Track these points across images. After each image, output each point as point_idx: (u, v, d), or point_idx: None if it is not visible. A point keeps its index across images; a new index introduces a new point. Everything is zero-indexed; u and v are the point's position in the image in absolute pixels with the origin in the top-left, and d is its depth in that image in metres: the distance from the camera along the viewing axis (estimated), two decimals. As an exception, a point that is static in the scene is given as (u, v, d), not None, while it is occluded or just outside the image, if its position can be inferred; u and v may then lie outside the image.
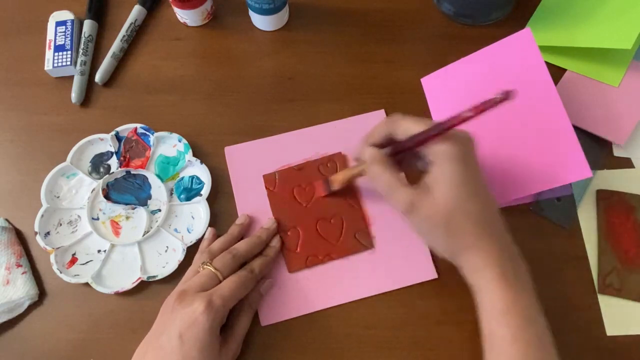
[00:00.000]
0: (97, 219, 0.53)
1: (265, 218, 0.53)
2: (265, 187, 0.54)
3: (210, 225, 0.53)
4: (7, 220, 0.53)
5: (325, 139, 0.56)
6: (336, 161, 0.55)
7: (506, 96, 0.37)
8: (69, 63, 0.59)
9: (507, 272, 0.41)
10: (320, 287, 0.50)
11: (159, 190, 0.55)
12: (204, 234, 0.52)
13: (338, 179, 0.51)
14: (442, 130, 0.40)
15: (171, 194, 0.55)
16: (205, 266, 0.46)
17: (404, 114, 0.44)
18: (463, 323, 0.49)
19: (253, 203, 0.54)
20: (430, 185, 0.41)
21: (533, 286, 0.43)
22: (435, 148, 0.41)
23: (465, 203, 0.41)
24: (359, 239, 0.52)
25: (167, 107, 0.59)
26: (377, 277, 0.51)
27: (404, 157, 0.45)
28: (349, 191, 0.54)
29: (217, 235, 0.52)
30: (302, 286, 0.50)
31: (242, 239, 0.51)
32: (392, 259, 0.51)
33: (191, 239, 0.52)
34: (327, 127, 0.57)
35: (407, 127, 0.42)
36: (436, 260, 0.51)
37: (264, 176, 0.55)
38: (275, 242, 0.51)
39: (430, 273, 0.51)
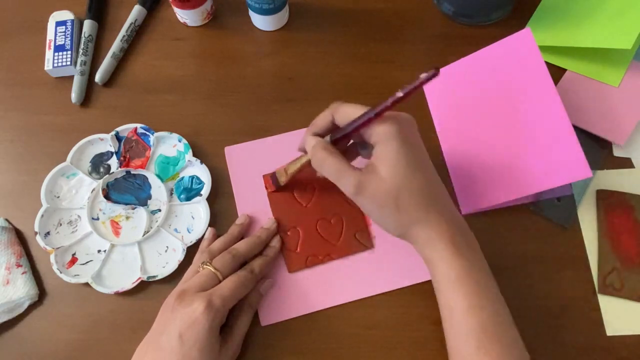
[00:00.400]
0: (97, 219, 0.53)
1: (265, 218, 0.53)
2: (266, 187, 0.54)
3: (210, 225, 0.53)
4: (7, 220, 0.53)
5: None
6: (336, 161, 0.55)
7: (432, 75, 0.37)
8: (69, 63, 0.59)
9: (458, 242, 0.42)
10: (320, 287, 0.50)
11: (159, 190, 0.55)
12: (204, 234, 0.52)
13: (285, 172, 0.51)
14: (380, 112, 0.41)
15: (171, 194, 0.55)
16: (204, 266, 0.46)
17: (343, 102, 0.44)
18: (463, 323, 0.49)
19: (253, 203, 0.54)
20: (375, 165, 0.42)
21: (482, 256, 0.44)
22: (377, 129, 0.41)
23: (410, 179, 0.41)
24: (359, 239, 0.52)
25: (167, 107, 0.59)
26: (377, 277, 0.51)
27: (347, 147, 0.47)
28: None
29: (217, 235, 0.52)
30: (302, 286, 0.50)
31: (242, 239, 0.51)
32: (392, 259, 0.51)
33: (191, 239, 0.52)
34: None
35: (347, 112, 0.43)
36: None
37: (264, 176, 0.55)
38: (276, 242, 0.51)
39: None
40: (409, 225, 0.42)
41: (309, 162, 0.47)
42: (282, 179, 0.52)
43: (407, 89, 0.39)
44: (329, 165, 0.43)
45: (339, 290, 0.50)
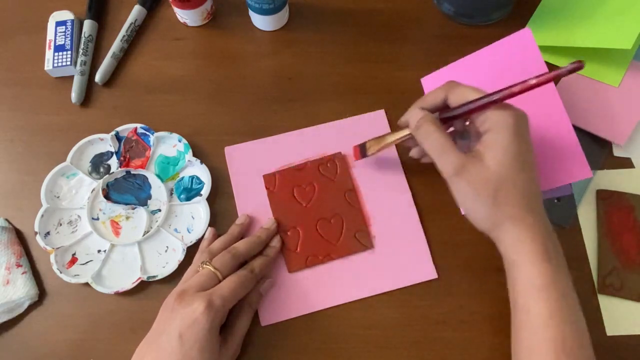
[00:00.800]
0: (97, 219, 0.53)
1: (265, 218, 0.53)
2: (265, 187, 0.54)
3: (210, 225, 0.53)
4: (7, 220, 0.53)
5: (325, 139, 0.56)
6: (336, 161, 0.55)
7: (576, 67, 0.37)
8: (69, 63, 0.59)
9: (549, 248, 0.40)
10: (320, 287, 0.50)
11: (159, 190, 0.55)
12: (204, 234, 0.52)
13: (377, 142, 0.51)
14: (502, 98, 0.40)
15: (171, 194, 0.55)
16: (204, 266, 0.46)
17: (459, 82, 0.44)
18: (463, 323, 0.49)
19: (253, 203, 0.54)
20: (482, 152, 0.41)
21: (567, 269, 0.42)
22: (492, 116, 0.41)
23: (516, 174, 0.40)
24: (359, 239, 0.52)
25: (167, 107, 0.59)
26: (377, 277, 0.51)
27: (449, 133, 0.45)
28: (349, 191, 0.54)
29: (217, 235, 0.52)
30: (302, 286, 0.50)
31: (242, 239, 0.51)
32: (392, 259, 0.51)
33: (191, 239, 0.52)
34: (327, 127, 0.57)
35: (463, 93, 0.42)
36: (436, 260, 0.51)
37: (264, 176, 0.55)
38: (276, 242, 0.51)
39: (430, 273, 0.51)
40: (501, 222, 0.41)
41: (408, 136, 0.47)
42: (373, 149, 0.51)
43: (542, 77, 0.38)
44: (434, 139, 0.43)
45: (339, 290, 0.50)
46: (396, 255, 0.51)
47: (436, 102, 0.45)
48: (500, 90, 0.40)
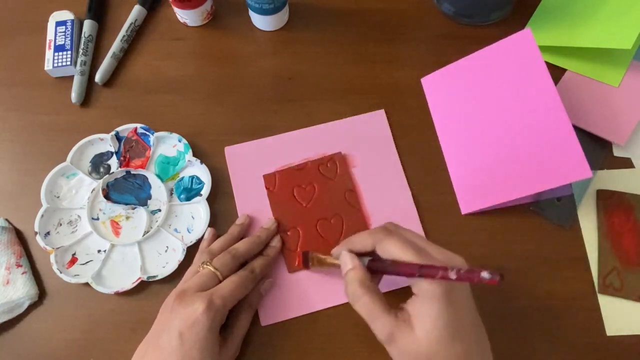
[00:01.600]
0: (97, 219, 0.53)
1: (265, 218, 0.53)
2: (265, 187, 0.54)
3: (210, 225, 0.53)
4: (7, 220, 0.53)
5: (325, 139, 0.56)
6: (336, 161, 0.55)
7: (493, 279, 0.35)
8: (69, 63, 0.59)
9: None
10: (320, 287, 0.50)
11: (159, 190, 0.55)
12: (204, 234, 0.52)
13: (317, 262, 0.49)
14: (427, 274, 0.37)
15: (171, 194, 0.55)
16: (204, 266, 0.46)
17: (391, 232, 0.41)
18: (463, 323, 0.49)
19: (253, 203, 0.54)
20: (412, 320, 0.38)
21: None
22: (422, 282, 0.38)
23: (447, 346, 0.37)
24: None
25: (167, 107, 0.59)
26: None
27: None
28: (349, 191, 0.54)
29: (217, 236, 0.52)
30: (302, 286, 0.50)
31: (242, 239, 0.51)
32: None
33: (191, 239, 0.52)
34: (327, 127, 0.57)
35: (391, 252, 0.40)
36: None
37: (264, 176, 0.55)
38: (276, 242, 0.51)
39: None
40: None
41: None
42: (314, 266, 0.49)
43: (461, 275, 0.36)
44: (363, 304, 0.40)
45: (339, 290, 0.50)
46: None
47: (364, 249, 0.43)
48: (425, 267, 0.38)
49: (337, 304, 0.50)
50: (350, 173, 0.55)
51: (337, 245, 0.46)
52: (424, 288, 0.38)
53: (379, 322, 0.39)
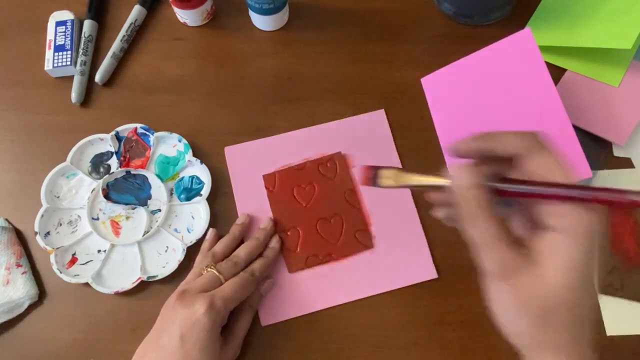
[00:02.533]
0: (97, 219, 0.53)
1: (265, 218, 0.53)
2: (265, 187, 0.54)
3: (210, 225, 0.53)
4: (7, 220, 0.53)
5: (325, 139, 0.56)
6: (336, 161, 0.55)
7: None
8: (69, 63, 0.59)
9: None
10: (320, 287, 0.50)
11: (159, 190, 0.55)
12: (204, 234, 0.52)
13: (395, 178, 0.38)
14: (600, 200, 0.30)
15: (171, 194, 0.55)
16: (208, 269, 0.46)
17: (544, 145, 0.32)
18: (463, 323, 0.49)
19: (253, 203, 0.54)
20: (542, 257, 0.31)
21: None
22: (571, 214, 0.30)
23: (579, 298, 0.31)
24: (359, 238, 0.52)
25: (167, 107, 0.59)
26: (377, 277, 0.51)
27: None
28: (349, 191, 0.54)
29: (218, 236, 0.52)
30: (302, 286, 0.50)
31: (243, 239, 0.51)
32: (392, 259, 0.51)
33: (191, 239, 0.52)
34: (327, 127, 0.57)
35: (549, 166, 0.31)
36: (436, 260, 0.51)
37: (263, 176, 0.55)
38: (275, 243, 0.51)
39: (431, 273, 0.51)
40: (542, 347, 0.32)
41: (440, 189, 0.35)
42: (388, 182, 0.38)
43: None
44: (480, 230, 0.32)
45: (339, 290, 0.50)
46: (396, 255, 0.51)
47: (504, 154, 0.33)
48: (597, 190, 0.30)
49: (337, 304, 0.50)
50: (350, 173, 0.55)
51: (461, 140, 0.35)
52: (572, 221, 0.30)
53: (500, 252, 0.31)
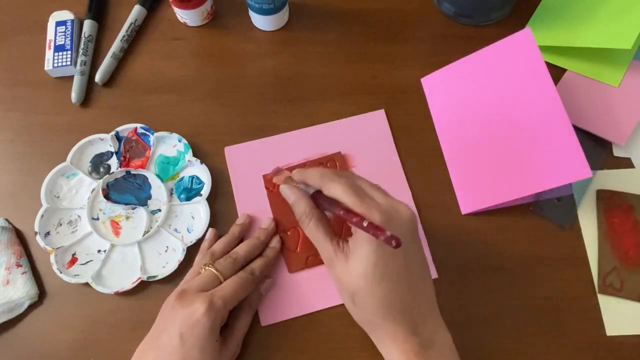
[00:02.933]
0: (97, 219, 0.53)
1: (265, 218, 0.53)
2: (265, 187, 0.54)
3: (210, 225, 0.53)
4: (7, 220, 0.53)
5: (325, 139, 0.56)
6: (336, 161, 0.55)
7: (391, 240, 0.37)
8: (69, 63, 0.59)
9: (414, 348, 0.40)
10: (321, 287, 0.50)
11: (159, 190, 0.55)
12: (204, 234, 0.52)
13: (277, 181, 0.50)
14: (346, 219, 0.41)
15: (171, 194, 0.55)
16: (207, 267, 0.46)
17: (340, 176, 0.43)
18: (463, 323, 0.49)
19: (253, 203, 0.54)
20: (350, 252, 0.42)
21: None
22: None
23: (372, 284, 0.40)
24: None
25: (167, 107, 0.59)
26: None
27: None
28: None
29: (218, 236, 0.52)
30: (302, 286, 0.50)
31: (243, 239, 0.51)
32: None
33: (191, 239, 0.52)
34: (327, 127, 0.57)
35: (334, 193, 0.42)
36: (436, 260, 0.51)
37: (263, 176, 0.55)
38: (275, 243, 0.51)
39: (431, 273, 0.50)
40: (363, 321, 0.43)
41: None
42: (277, 179, 0.50)
43: (367, 228, 0.38)
44: (309, 230, 0.44)
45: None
46: None
47: (314, 185, 0.45)
48: (347, 211, 0.41)
49: (337, 304, 0.50)
50: None
51: (295, 171, 0.48)
52: (361, 234, 0.41)
53: (322, 247, 0.43)
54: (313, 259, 0.51)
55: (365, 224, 0.39)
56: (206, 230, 0.52)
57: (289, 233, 0.52)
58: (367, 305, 0.41)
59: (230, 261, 0.47)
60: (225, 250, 0.49)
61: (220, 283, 0.46)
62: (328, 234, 0.44)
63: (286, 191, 0.47)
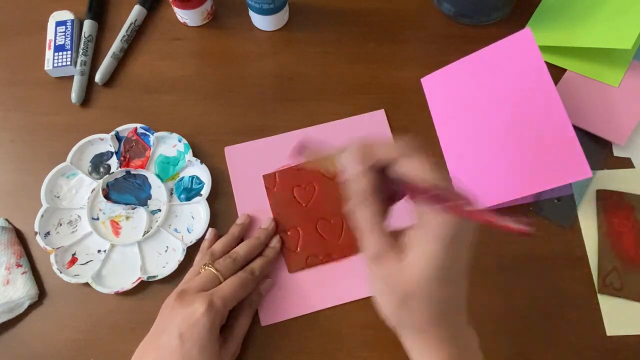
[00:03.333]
0: (97, 219, 0.53)
1: (265, 218, 0.53)
2: (265, 187, 0.54)
3: (210, 225, 0.53)
4: (7, 220, 0.53)
5: (325, 139, 0.56)
6: (336, 161, 0.55)
7: (522, 229, 0.31)
8: (69, 63, 0.59)
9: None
10: (320, 287, 0.50)
11: (159, 190, 0.55)
12: (204, 234, 0.52)
13: (315, 162, 0.42)
14: (451, 208, 0.33)
15: (171, 194, 0.55)
16: (206, 267, 0.46)
17: (416, 150, 0.35)
18: (463, 323, 0.49)
19: (253, 203, 0.54)
20: (408, 245, 0.35)
21: None
22: (430, 215, 0.34)
23: (431, 288, 0.34)
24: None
25: (167, 107, 0.59)
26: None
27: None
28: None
29: (218, 236, 0.52)
30: (302, 286, 0.50)
31: (242, 239, 0.51)
32: None
33: (191, 239, 0.52)
34: (327, 127, 0.57)
35: (415, 169, 0.34)
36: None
37: (263, 176, 0.55)
38: (275, 243, 0.51)
39: None
40: (403, 326, 0.37)
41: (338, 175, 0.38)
42: (306, 157, 0.41)
43: (500, 223, 0.32)
44: (362, 214, 0.36)
45: (339, 290, 0.50)
46: None
47: (383, 159, 0.36)
48: (447, 192, 0.33)
49: (337, 304, 0.50)
50: None
51: (348, 145, 0.38)
52: (430, 221, 0.34)
53: (373, 237, 0.35)
54: (313, 259, 0.51)
55: (473, 214, 0.32)
56: (206, 230, 0.52)
57: (289, 233, 0.52)
58: (423, 310, 0.35)
59: (230, 261, 0.47)
60: (225, 250, 0.49)
61: (220, 283, 0.46)
62: (382, 224, 0.36)
63: (349, 160, 0.36)
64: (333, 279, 0.51)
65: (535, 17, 0.62)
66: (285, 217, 0.53)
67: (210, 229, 0.52)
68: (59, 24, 0.62)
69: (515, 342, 0.48)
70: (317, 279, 0.51)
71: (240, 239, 0.51)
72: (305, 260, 0.51)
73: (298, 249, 0.52)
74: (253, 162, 0.55)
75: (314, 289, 0.50)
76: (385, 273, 0.35)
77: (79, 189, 0.55)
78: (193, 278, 0.47)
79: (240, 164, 0.55)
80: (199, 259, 0.50)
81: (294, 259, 0.51)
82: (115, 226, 0.53)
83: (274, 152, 0.56)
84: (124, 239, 0.53)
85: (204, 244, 0.51)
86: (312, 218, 0.53)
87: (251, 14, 0.62)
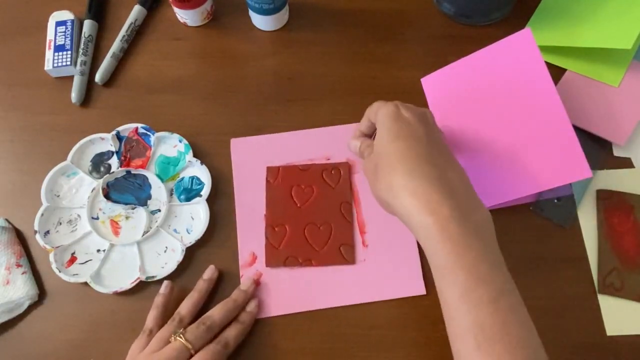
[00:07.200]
0: (97, 218, 0.53)
1: (260, 210, 0.53)
2: (266, 179, 0.54)
3: (209, 226, 0.52)
4: (7, 220, 0.53)
5: (331, 141, 0.56)
6: (341, 170, 0.55)
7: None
8: (69, 63, 0.59)
9: (447, 220, 0.36)
10: (321, 287, 0.50)
11: (159, 191, 0.55)
12: (203, 235, 0.52)
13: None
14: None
15: (171, 194, 0.55)
16: (177, 338, 0.43)
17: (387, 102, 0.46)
18: (463, 323, 0.49)
19: (250, 193, 0.54)
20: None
21: (491, 235, 0.39)
22: (380, 111, 0.45)
23: (389, 144, 0.42)
24: (343, 252, 0.51)
25: (167, 107, 0.59)
26: (357, 289, 0.50)
27: None
28: (346, 203, 0.53)
29: (173, 289, 0.49)
30: (302, 285, 0.50)
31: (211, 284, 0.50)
32: (378, 273, 0.51)
33: (190, 240, 0.52)
34: (333, 130, 0.57)
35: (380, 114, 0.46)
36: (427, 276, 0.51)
37: (267, 168, 0.55)
38: (253, 307, 0.48)
39: (419, 288, 0.50)
40: (390, 194, 0.40)
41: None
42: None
43: None
44: (350, 142, 0.50)
45: (339, 290, 0.50)
46: (383, 270, 0.51)
47: (369, 126, 0.49)
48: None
49: (338, 304, 0.50)
50: (352, 184, 0.54)
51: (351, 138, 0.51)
52: (380, 113, 0.45)
53: (359, 142, 0.49)
54: (292, 260, 0.51)
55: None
56: (206, 231, 0.52)
57: (276, 229, 0.52)
58: (391, 165, 0.41)
59: (203, 329, 0.44)
60: (194, 311, 0.47)
61: (191, 356, 0.43)
62: (365, 134, 0.50)
63: (354, 142, 0.50)
64: (334, 279, 0.50)
65: (535, 17, 0.62)
66: (277, 212, 0.53)
67: (165, 281, 0.49)
68: (59, 24, 0.62)
69: (515, 342, 0.48)
70: (294, 281, 0.50)
71: (207, 296, 0.49)
72: (285, 259, 0.51)
73: (280, 247, 0.51)
74: (257, 156, 0.55)
75: (315, 289, 0.50)
76: (366, 161, 0.45)
77: (79, 188, 0.55)
78: (160, 345, 0.43)
79: (244, 157, 0.55)
80: (152, 316, 0.46)
81: (274, 255, 0.51)
82: (115, 226, 0.53)
83: (279, 148, 0.56)
84: (123, 239, 0.53)
85: (158, 300, 0.48)
86: (302, 220, 0.53)
87: (251, 14, 0.62)
